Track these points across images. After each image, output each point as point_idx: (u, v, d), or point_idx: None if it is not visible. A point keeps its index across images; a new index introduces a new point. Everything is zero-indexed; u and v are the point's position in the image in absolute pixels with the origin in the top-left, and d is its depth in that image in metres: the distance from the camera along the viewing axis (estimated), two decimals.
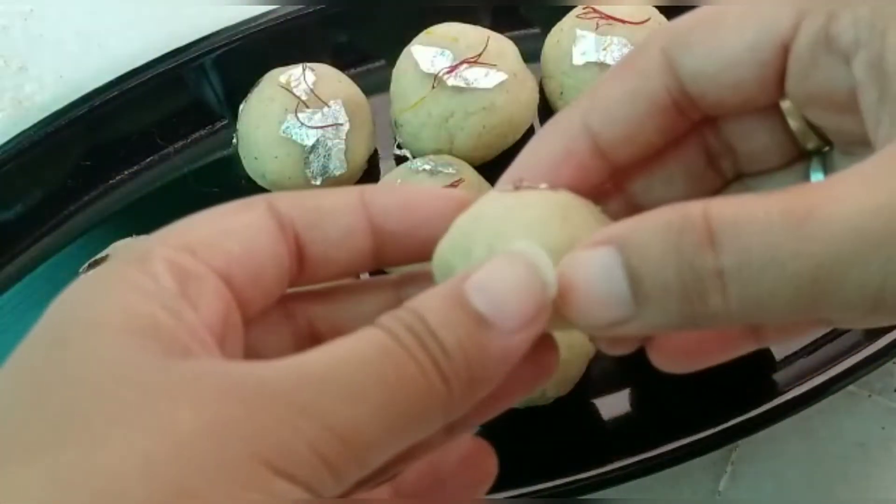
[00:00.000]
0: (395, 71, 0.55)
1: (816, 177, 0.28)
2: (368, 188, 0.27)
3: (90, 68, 0.62)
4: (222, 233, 0.25)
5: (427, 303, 0.23)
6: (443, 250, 0.26)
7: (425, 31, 0.55)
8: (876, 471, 0.49)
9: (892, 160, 0.22)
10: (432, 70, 0.53)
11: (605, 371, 0.49)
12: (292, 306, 0.27)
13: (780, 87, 0.26)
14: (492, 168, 0.54)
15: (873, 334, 0.48)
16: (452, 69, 0.52)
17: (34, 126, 0.57)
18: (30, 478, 0.19)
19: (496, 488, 0.45)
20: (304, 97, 0.53)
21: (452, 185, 0.49)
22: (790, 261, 0.21)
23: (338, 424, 0.21)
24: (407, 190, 0.28)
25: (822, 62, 0.25)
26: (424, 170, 0.51)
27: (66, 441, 0.20)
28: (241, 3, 0.60)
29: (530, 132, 0.56)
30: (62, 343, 0.22)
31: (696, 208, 0.22)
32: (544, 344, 0.27)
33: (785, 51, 0.25)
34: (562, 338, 0.45)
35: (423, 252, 0.27)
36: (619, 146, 0.27)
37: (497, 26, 0.56)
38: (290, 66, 0.54)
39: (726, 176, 0.29)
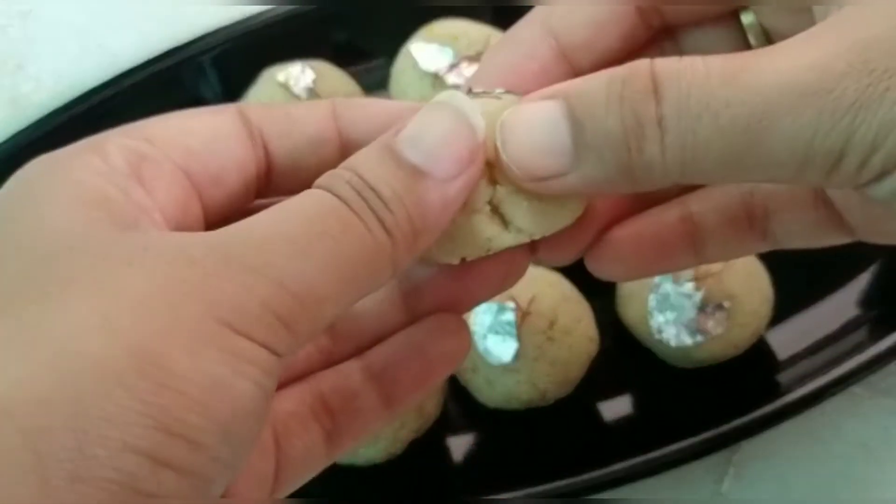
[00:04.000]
0: (394, 69, 0.55)
1: None
2: (340, 101, 0.27)
3: (88, 67, 0.61)
4: (184, 130, 0.25)
5: (362, 159, 0.23)
6: None
7: (425, 29, 0.54)
8: (879, 472, 0.48)
9: (831, 27, 0.22)
10: (432, 68, 0.52)
11: (606, 372, 0.49)
12: None
13: None
14: None
15: (876, 335, 0.47)
16: (452, 67, 0.52)
17: (32, 125, 0.57)
18: None
19: (498, 489, 0.46)
20: (302, 95, 0.52)
21: None
22: (723, 109, 0.21)
23: (288, 280, 0.21)
24: (376, 103, 0.28)
25: None
26: None
27: (24, 304, 0.19)
28: (240, 3, 0.60)
29: None
30: (13, 217, 0.22)
31: (642, 63, 0.23)
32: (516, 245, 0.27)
33: None
34: (562, 338, 0.45)
35: None
36: (581, 52, 0.27)
37: (497, 24, 0.55)
38: (288, 64, 0.54)
39: None
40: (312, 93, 0.52)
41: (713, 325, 0.46)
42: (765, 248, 0.29)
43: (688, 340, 0.46)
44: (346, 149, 0.27)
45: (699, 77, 0.22)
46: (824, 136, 0.21)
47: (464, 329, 0.28)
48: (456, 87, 0.51)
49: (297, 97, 0.52)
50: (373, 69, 0.60)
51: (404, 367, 0.27)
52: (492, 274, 0.27)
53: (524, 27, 0.28)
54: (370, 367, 0.28)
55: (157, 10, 0.64)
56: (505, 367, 0.45)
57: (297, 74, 0.53)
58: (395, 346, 0.28)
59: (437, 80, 0.52)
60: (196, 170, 0.25)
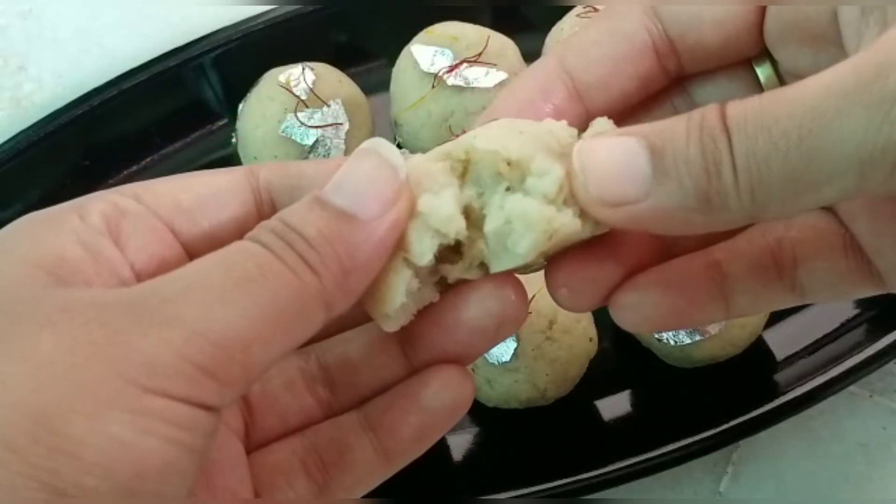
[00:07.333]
0: (395, 70, 0.55)
1: None
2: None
3: (89, 68, 0.62)
4: (179, 187, 0.26)
5: (289, 209, 0.24)
6: None
7: (425, 31, 0.54)
8: (877, 471, 0.49)
9: (870, 54, 0.22)
10: (432, 69, 0.52)
11: (606, 371, 0.49)
12: None
13: (760, 25, 0.26)
14: None
15: (874, 335, 0.48)
16: (452, 68, 0.52)
17: (33, 126, 0.57)
18: None
19: (498, 488, 0.46)
20: (303, 97, 0.52)
21: None
22: (774, 125, 0.22)
23: (206, 329, 0.21)
24: None
25: None
26: None
27: None
28: (241, 4, 0.60)
29: None
30: None
31: (710, 107, 0.23)
32: (514, 286, 0.27)
33: None
34: (562, 338, 0.45)
35: None
36: (595, 90, 0.28)
37: (497, 26, 0.56)
38: (289, 66, 0.54)
39: None
40: (312, 94, 0.53)
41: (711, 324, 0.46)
42: (795, 302, 0.29)
43: (686, 339, 0.46)
44: None
45: (753, 103, 0.22)
46: (876, 131, 0.21)
47: (466, 381, 0.27)
48: (456, 87, 0.51)
49: (297, 98, 0.52)
50: (373, 71, 0.60)
51: (402, 420, 0.27)
52: (483, 324, 0.27)
53: (540, 64, 0.28)
54: (368, 418, 0.27)
55: (158, 11, 0.64)
56: (504, 367, 0.45)
57: (298, 76, 0.53)
58: (393, 398, 0.27)
59: (437, 81, 0.52)
60: (183, 226, 0.25)
